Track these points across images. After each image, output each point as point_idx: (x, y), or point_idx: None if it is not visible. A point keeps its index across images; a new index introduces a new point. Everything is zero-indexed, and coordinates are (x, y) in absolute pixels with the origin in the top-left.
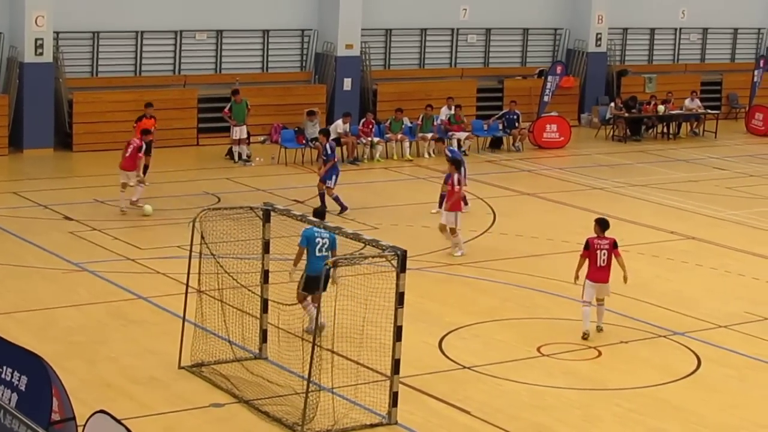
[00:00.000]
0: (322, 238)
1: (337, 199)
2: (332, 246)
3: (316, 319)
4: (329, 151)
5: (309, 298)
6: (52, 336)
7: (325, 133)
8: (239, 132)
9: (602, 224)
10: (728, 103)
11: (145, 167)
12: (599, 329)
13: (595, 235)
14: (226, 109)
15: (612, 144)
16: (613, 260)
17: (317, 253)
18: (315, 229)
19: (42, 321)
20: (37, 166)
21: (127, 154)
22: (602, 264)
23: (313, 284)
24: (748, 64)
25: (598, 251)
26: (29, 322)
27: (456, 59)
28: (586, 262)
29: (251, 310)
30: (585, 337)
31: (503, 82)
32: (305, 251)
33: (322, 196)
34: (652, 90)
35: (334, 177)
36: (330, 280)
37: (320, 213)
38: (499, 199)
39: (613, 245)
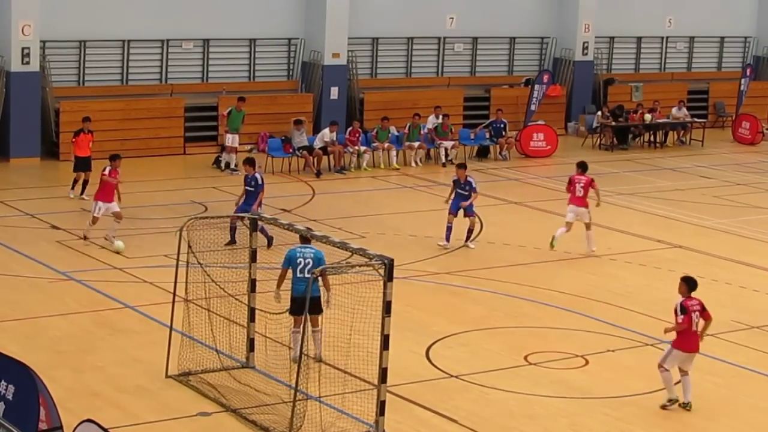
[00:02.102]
0: (304, 259)
1: (263, 230)
2: (318, 265)
3: (301, 348)
4: (260, 182)
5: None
6: (39, 345)
7: (251, 162)
8: (232, 140)
9: (690, 284)
10: (715, 111)
11: (85, 183)
12: (687, 407)
13: (684, 297)
14: (224, 112)
15: (599, 153)
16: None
17: (298, 274)
18: (298, 249)
19: (29, 330)
20: (24, 175)
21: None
22: (696, 329)
23: (296, 307)
24: (735, 72)
25: (693, 314)
26: (16, 331)
27: (443, 68)
28: None
29: (238, 319)
30: (669, 404)
31: (490, 91)
32: (289, 273)
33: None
34: (639, 99)
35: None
36: (324, 302)
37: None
38: (486, 207)
39: (702, 307)
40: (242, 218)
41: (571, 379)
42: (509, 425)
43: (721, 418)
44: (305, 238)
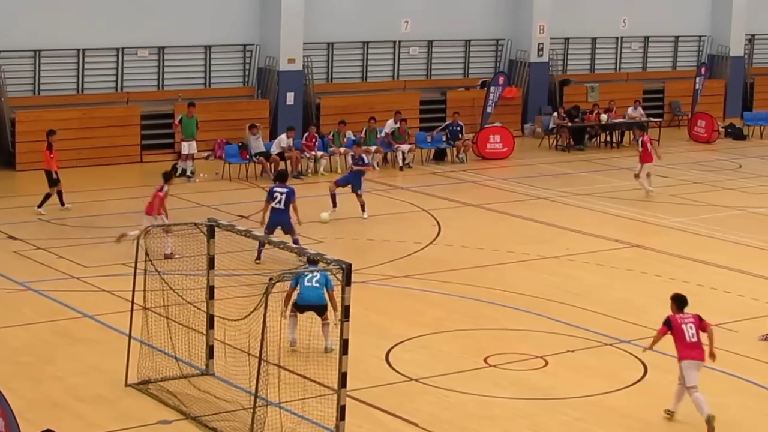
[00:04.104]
0: (312, 274)
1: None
2: (325, 281)
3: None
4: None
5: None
6: None
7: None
8: (188, 147)
9: (679, 302)
10: (670, 110)
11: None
12: (671, 414)
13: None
14: (176, 121)
15: (555, 153)
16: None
17: (306, 283)
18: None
19: None
20: None
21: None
22: (692, 339)
23: (300, 310)
24: (690, 71)
25: (684, 326)
26: None
27: (398, 71)
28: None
29: (197, 326)
30: (710, 423)
31: (446, 94)
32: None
33: None
34: (595, 99)
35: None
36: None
37: None
38: (443, 210)
39: (699, 319)
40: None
41: (530, 380)
42: (469, 427)
43: (680, 416)
44: (312, 262)
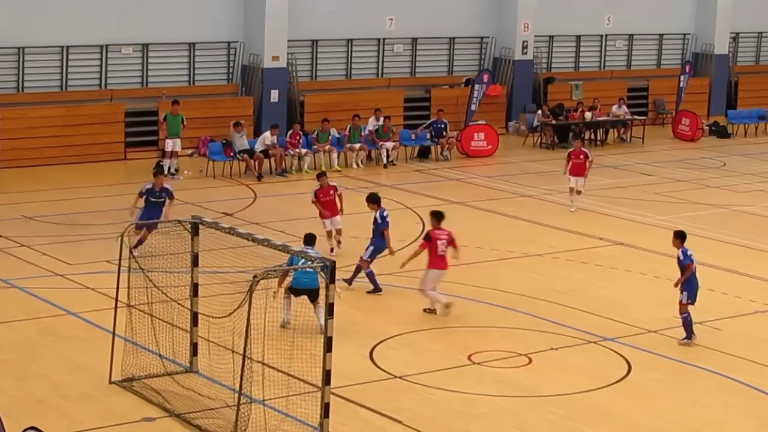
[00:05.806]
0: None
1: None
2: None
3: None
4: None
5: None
6: None
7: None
8: (172, 144)
9: (438, 217)
10: (655, 108)
11: None
12: (433, 311)
13: (433, 228)
14: (161, 119)
15: (540, 151)
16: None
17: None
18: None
19: None
20: None
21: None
22: (441, 253)
23: (294, 294)
24: (674, 69)
25: (438, 241)
26: None
27: (383, 69)
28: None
29: (181, 324)
30: (441, 309)
31: (430, 92)
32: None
33: None
34: (579, 97)
35: None
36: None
37: None
38: (428, 208)
39: (451, 236)
40: None
41: (515, 377)
42: (454, 425)
43: (664, 413)
44: (309, 240)
